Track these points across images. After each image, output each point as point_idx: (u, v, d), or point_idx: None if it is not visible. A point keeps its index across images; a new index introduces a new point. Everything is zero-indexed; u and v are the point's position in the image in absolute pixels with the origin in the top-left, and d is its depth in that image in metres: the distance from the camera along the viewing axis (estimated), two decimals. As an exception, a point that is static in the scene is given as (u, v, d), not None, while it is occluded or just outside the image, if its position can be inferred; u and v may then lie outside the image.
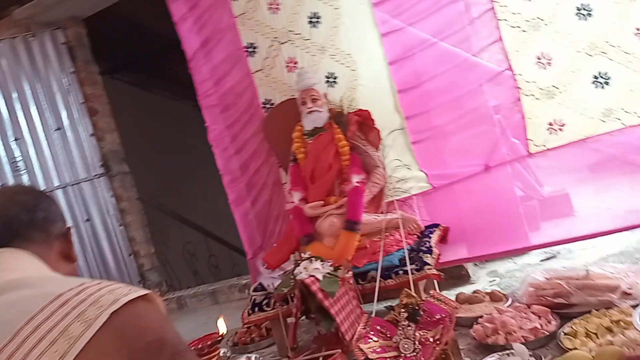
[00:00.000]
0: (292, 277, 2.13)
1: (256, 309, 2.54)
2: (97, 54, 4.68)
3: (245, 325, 2.80)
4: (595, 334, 1.74)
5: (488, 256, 2.90)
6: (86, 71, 4.56)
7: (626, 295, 1.89)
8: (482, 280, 2.89)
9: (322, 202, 2.59)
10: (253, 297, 2.58)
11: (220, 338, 1.96)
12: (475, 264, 3.09)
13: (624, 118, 2.46)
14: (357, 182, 2.55)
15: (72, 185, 4.49)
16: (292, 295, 2.19)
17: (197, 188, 5.26)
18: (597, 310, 1.87)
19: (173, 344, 0.91)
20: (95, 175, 4.49)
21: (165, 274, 4.84)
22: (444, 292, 2.43)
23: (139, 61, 5.80)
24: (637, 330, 1.45)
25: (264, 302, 2.52)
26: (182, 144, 5.36)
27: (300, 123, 2.77)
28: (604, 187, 2.79)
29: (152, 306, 0.95)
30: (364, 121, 2.72)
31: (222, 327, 2.08)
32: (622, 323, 1.72)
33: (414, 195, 2.89)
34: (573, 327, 1.82)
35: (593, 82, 2.46)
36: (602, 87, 2.45)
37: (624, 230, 2.58)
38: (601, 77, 2.45)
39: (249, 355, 2.58)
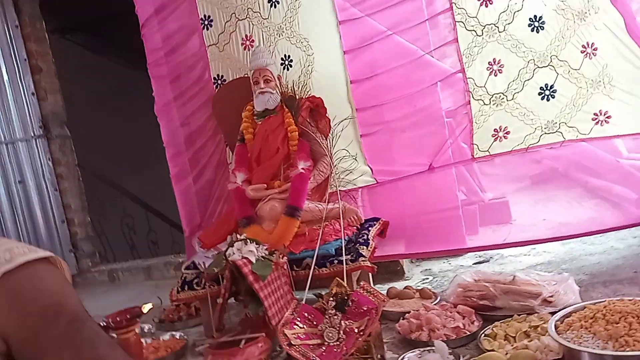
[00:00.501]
0: (224, 257, 2.08)
1: (186, 287, 2.48)
2: (46, 11, 4.41)
3: (174, 303, 2.72)
4: (514, 337, 1.79)
5: (424, 254, 2.95)
6: (32, 27, 4.29)
7: (547, 302, 1.95)
8: (415, 277, 2.93)
9: (265, 185, 2.55)
10: (184, 275, 2.52)
11: (140, 313, 1.88)
12: (412, 261, 3.13)
13: (565, 132, 2.54)
14: (303, 168, 2.52)
15: (7, 144, 4.25)
16: (223, 275, 2.14)
17: (141, 160, 5.07)
18: (518, 315, 1.92)
19: (73, 311, 0.86)
20: (33, 136, 4.26)
21: (99, 244, 4.67)
22: (378, 286, 2.45)
23: (93, 24, 5.53)
24: (551, 337, 1.49)
25: (195, 281, 2.46)
26: (129, 113, 5.14)
27: (251, 103, 2.70)
28: (543, 198, 2.90)
29: (54, 270, 0.89)
30: (316, 108, 2.68)
31: (147, 307, 2.01)
32: (539, 329, 1.77)
33: (359, 187, 2.89)
34: (494, 329, 1.86)
35: (540, 94, 2.53)
36: (548, 100, 2.52)
37: (556, 240, 2.68)
38: (547, 89, 2.51)
39: (174, 333, 2.52)
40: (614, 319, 1.42)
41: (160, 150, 3.18)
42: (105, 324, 1.84)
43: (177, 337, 2.49)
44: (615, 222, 2.55)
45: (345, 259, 2.31)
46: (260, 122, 2.64)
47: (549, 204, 2.86)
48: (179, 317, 2.79)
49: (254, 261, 2.06)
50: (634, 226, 2.61)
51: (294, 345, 1.81)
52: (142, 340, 2.23)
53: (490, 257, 2.99)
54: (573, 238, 2.70)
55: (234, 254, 2.06)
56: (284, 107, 2.63)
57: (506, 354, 1.66)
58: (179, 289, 2.49)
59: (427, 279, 2.87)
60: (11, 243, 0.89)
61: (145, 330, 2.61)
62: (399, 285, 2.70)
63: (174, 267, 3.90)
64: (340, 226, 2.49)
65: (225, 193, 3.01)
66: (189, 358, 2.35)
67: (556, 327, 1.52)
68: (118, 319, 1.86)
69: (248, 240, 2.13)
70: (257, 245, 2.15)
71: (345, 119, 2.75)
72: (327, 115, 2.70)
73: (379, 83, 2.72)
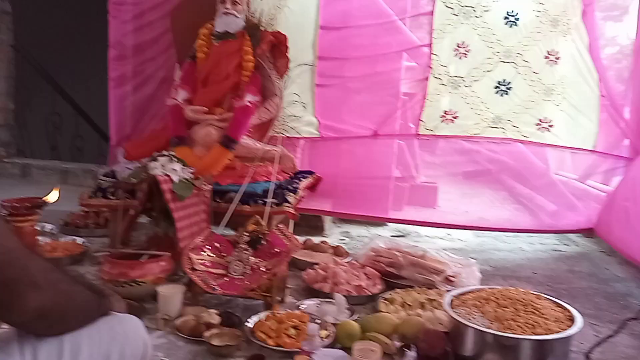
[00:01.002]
0: (145, 169, 1.99)
1: (99, 194, 2.36)
2: None
3: (84, 209, 2.60)
4: (410, 305, 1.85)
5: (347, 215, 2.98)
6: None
7: (448, 281, 2.03)
8: (334, 237, 2.97)
9: (206, 109, 2.44)
10: (100, 182, 2.40)
11: (42, 203, 1.77)
12: (333, 221, 3.17)
13: (508, 130, 2.61)
14: (250, 102, 2.44)
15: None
16: (139, 188, 2.05)
17: (83, 59, 4.71)
18: (419, 287, 1.99)
19: None
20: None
21: (18, 136, 4.37)
22: (296, 237, 2.45)
23: None
24: (445, 311, 1.55)
25: (110, 189, 2.35)
26: (82, 5, 4.75)
27: (212, 22, 2.56)
28: (470, 193, 3.02)
29: None
30: (278, 45, 2.59)
31: (53, 196, 1.89)
32: (435, 303, 1.84)
33: (301, 137, 2.85)
34: (393, 294, 1.92)
35: (496, 87, 2.57)
36: (501, 95, 2.57)
37: (472, 229, 2.80)
38: (504, 85, 2.56)
39: (76, 238, 2.41)
40: (504, 304, 1.49)
41: (105, 54, 2.97)
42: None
43: (79, 242, 2.38)
44: (528, 225, 2.69)
45: (270, 202, 2.28)
46: (216, 44, 2.52)
47: (474, 199, 2.98)
48: (86, 224, 2.68)
49: (175, 180, 1.98)
50: (543, 232, 2.79)
51: (197, 270, 1.78)
52: (40, 238, 2.12)
53: (408, 234, 3.07)
54: (488, 231, 2.83)
55: (156, 168, 1.98)
56: (246, 34, 2.51)
57: (398, 319, 1.71)
58: (92, 194, 2.37)
59: (344, 240, 2.91)
60: None
61: (47, 229, 2.49)
62: (316, 240, 2.72)
63: (93, 177, 3.73)
64: (273, 169, 2.45)
65: (163, 111, 2.88)
66: (86, 265, 2.26)
67: (451, 302, 1.58)
68: (17, 205, 1.74)
69: (174, 159, 2.05)
70: (183, 167, 2.07)
71: (305, 64, 2.68)
72: (287, 55, 2.61)
73: (346, 36, 2.66)
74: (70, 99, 4.62)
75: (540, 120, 2.57)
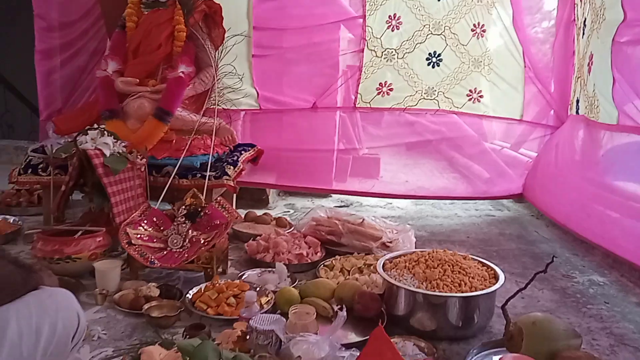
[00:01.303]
0: (75, 144, 1.93)
1: (30, 170, 2.27)
2: None
3: (14, 187, 2.50)
4: (349, 271, 1.91)
5: (291, 187, 3.01)
6: None
7: (385, 246, 2.11)
8: (278, 209, 3.00)
9: (137, 80, 2.37)
10: (29, 158, 2.30)
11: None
12: (278, 194, 3.20)
13: (441, 101, 2.70)
14: (184, 72, 2.38)
15: None
16: (71, 163, 1.99)
17: (11, 31, 4.41)
18: (358, 253, 2.06)
19: None
20: None
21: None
22: (240, 211, 2.46)
23: None
24: (378, 272, 1.62)
25: (41, 165, 2.26)
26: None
27: (141, -11, 2.47)
28: (411, 163, 3.10)
29: None
30: (212, 15, 2.53)
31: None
32: (372, 268, 1.91)
33: (241, 109, 2.83)
34: (333, 261, 1.98)
35: (427, 59, 2.65)
36: (433, 67, 2.65)
37: (411, 198, 2.90)
38: (435, 57, 2.63)
39: (8, 217, 2.32)
40: (432, 264, 1.57)
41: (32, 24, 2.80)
42: None
43: (11, 221, 2.29)
44: (464, 193, 2.82)
45: (209, 175, 2.27)
46: (146, 12, 2.43)
47: (414, 169, 3.07)
48: (18, 203, 2.58)
49: (107, 154, 1.93)
50: (478, 199, 2.92)
51: (134, 245, 1.76)
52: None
53: (351, 204, 3.15)
54: (426, 199, 2.94)
55: (86, 142, 1.92)
56: (177, 3, 2.44)
57: (337, 282, 1.77)
58: (21, 171, 2.28)
59: (289, 212, 2.95)
60: None
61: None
62: (261, 213, 2.73)
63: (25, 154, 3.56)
64: (212, 142, 2.42)
65: (94, 85, 2.77)
66: (20, 244, 2.19)
67: (384, 265, 1.65)
68: None
69: (105, 132, 1.99)
70: (115, 141, 2.02)
71: (241, 34, 2.64)
72: (222, 24, 2.56)
73: (282, 6, 2.64)
74: (-3, 74, 4.35)
75: (471, 91, 2.67)
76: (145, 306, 1.51)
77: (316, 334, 1.29)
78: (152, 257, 1.73)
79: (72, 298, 1.12)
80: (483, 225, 2.74)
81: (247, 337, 1.28)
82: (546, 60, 2.74)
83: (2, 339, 0.94)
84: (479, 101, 2.69)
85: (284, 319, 1.32)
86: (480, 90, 2.66)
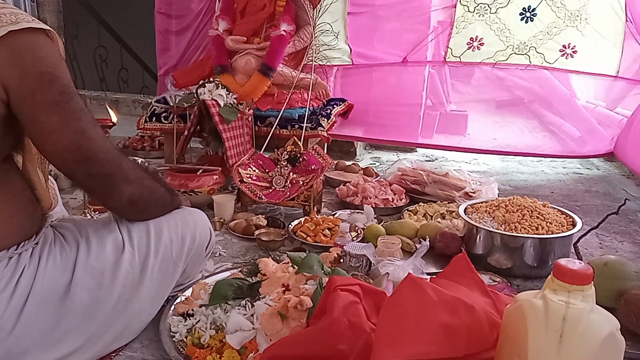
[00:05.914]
0: (195, 95, 2.22)
1: (154, 118, 2.62)
2: None
3: (140, 133, 2.88)
4: (432, 216, 2.08)
5: (378, 141, 3.17)
6: None
7: (468, 196, 2.23)
8: (365, 161, 3.18)
9: (245, 38, 2.62)
10: (153, 107, 2.65)
11: (111, 124, 2.04)
12: (365, 147, 3.37)
13: (532, 56, 2.70)
14: (285, 30, 2.59)
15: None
16: (190, 112, 2.30)
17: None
18: (441, 202, 2.21)
19: (65, 84, 1.00)
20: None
21: (70, 68, 4.64)
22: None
23: None
24: (460, 214, 1.77)
25: (163, 114, 2.61)
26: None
27: (249, -45, 2.68)
28: (500, 121, 3.12)
29: (53, 44, 1.01)
30: (311, -24, 2.70)
31: (113, 116, 2.14)
32: (454, 214, 2.06)
33: (334, 65, 3.01)
34: (417, 207, 2.15)
35: (521, 14, 2.64)
36: (526, 22, 2.64)
37: (498, 154, 2.94)
38: (529, 11, 2.62)
39: (135, 158, 2.70)
40: (512, 209, 1.69)
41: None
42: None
43: (140, 161, 2.67)
44: (552, 150, 2.82)
45: (306, 126, 2.51)
46: (252, -25, 2.65)
47: (504, 127, 3.09)
48: (142, 147, 2.97)
49: (222, 105, 2.22)
50: (567, 157, 2.91)
51: (245, 182, 2.05)
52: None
53: (436, 159, 3.25)
54: (513, 155, 2.97)
55: (204, 93, 2.21)
56: (282, -35, 2.63)
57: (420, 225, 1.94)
58: (147, 119, 2.64)
59: (374, 164, 3.12)
60: (17, 9, 1.00)
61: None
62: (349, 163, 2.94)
63: (143, 106, 4.00)
64: (308, 96, 2.64)
65: (206, 42, 3.07)
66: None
67: (465, 210, 1.80)
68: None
69: (220, 85, 2.27)
70: (227, 92, 2.30)
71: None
72: (320, -16, 2.73)
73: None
74: (114, 33, 4.84)
75: (564, 47, 2.64)
76: (256, 232, 1.79)
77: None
78: (261, 193, 2.01)
79: (205, 217, 1.40)
80: (569, 182, 2.75)
81: (341, 260, 1.51)
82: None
83: (159, 242, 1.22)
84: (572, 57, 2.66)
85: (374, 246, 1.53)
86: (575, 46, 2.62)
